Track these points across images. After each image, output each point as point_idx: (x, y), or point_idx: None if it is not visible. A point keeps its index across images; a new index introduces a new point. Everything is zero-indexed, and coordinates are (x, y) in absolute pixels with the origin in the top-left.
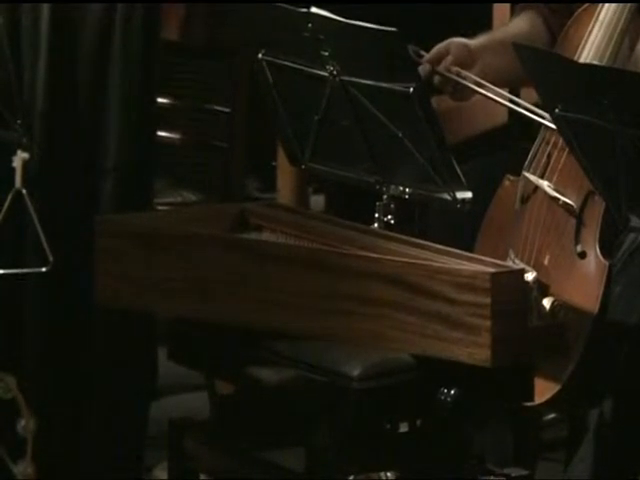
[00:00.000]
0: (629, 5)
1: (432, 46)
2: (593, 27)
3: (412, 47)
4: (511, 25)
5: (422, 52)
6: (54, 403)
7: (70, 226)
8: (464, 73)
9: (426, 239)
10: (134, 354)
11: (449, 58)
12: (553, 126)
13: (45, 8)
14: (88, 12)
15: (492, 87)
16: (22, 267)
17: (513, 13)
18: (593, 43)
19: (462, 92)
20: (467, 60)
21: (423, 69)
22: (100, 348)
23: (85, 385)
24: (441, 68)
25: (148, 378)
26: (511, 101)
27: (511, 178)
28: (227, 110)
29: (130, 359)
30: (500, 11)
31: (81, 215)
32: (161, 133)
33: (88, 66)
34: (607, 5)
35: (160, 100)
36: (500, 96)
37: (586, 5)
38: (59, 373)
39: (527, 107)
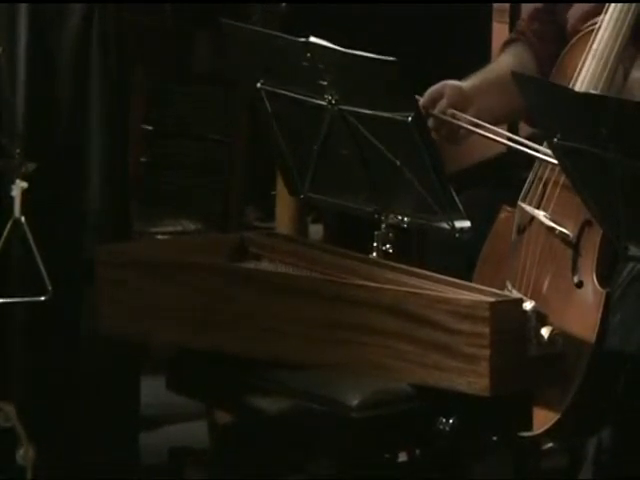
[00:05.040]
0: (622, 34)
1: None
2: (587, 56)
3: None
4: (500, 63)
5: (417, 97)
6: (53, 431)
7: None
8: (459, 115)
9: (425, 268)
10: (120, 382)
11: (444, 101)
12: (552, 160)
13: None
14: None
15: (489, 126)
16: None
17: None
18: (587, 72)
19: (456, 135)
20: (462, 103)
21: None
22: (90, 373)
23: (83, 412)
24: (436, 111)
25: (133, 406)
26: (509, 138)
27: (508, 209)
28: (227, 139)
29: (116, 387)
30: (499, 31)
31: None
32: (160, 161)
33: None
34: (600, 34)
35: (161, 128)
36: (497, 134)
37: (580, 34)
38: (56, 400)
39: (524, 143)
